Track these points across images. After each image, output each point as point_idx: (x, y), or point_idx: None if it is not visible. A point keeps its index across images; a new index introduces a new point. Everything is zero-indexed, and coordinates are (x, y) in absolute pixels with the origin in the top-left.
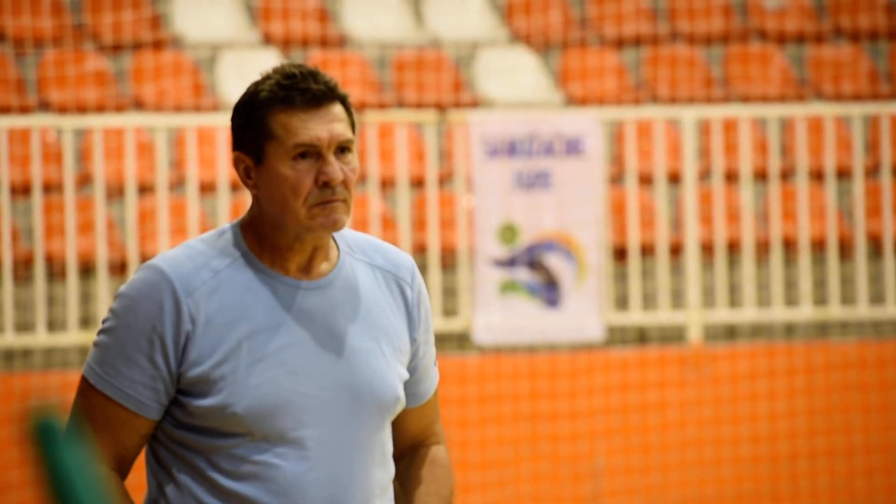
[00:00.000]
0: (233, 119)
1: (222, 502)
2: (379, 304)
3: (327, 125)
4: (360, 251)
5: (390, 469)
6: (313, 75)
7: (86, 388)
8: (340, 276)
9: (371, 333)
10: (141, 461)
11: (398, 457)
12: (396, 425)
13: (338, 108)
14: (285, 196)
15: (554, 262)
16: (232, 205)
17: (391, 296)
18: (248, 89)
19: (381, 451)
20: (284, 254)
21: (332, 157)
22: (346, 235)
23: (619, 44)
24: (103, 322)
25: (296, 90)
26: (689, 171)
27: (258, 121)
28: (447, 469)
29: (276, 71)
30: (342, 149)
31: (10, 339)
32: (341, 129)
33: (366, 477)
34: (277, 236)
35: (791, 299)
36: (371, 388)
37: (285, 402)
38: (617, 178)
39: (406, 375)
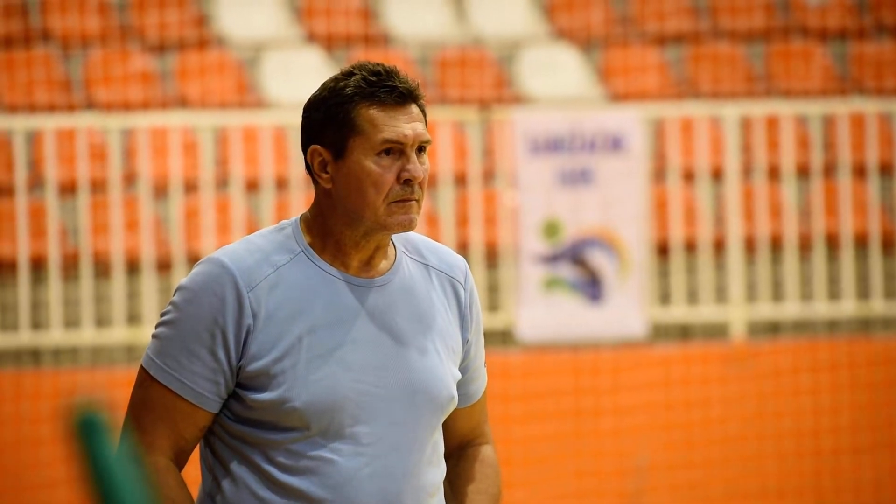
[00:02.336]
0: (311, 113)
1: (277, 496)
2: (433, 304)
3: (412, 123)
4: (415, 251)
5: (442, 469)
6: (397, 74)
7: (145, 379)
8: (398, 275)
9: (426, 333)
10: (194, 456)
11: (446, 456)
12: (446, 425)
13: (417, 109)
14: (366, 191)
15: (597, 258)
16: (276, 203)
17: (445, 296)
18: (327, 84)
19: (434, 450)
20: (347, 251)
21: (414, 156)
22: (402, 235)
23: (662, 40)
24: (163, 314)
25: (384, 87)
26: (732, 167)
27: (343, 115)
28: (495, 468)
29: (358, 68)
30: (420, 149)
31: (58, 336)
32: (422, 128)
33: (419, 475)
34: (345, 232)
35: (834, 295)
36: (426, 387)
37: (342, 398)
38: (659, 175)
39: (459, 375)
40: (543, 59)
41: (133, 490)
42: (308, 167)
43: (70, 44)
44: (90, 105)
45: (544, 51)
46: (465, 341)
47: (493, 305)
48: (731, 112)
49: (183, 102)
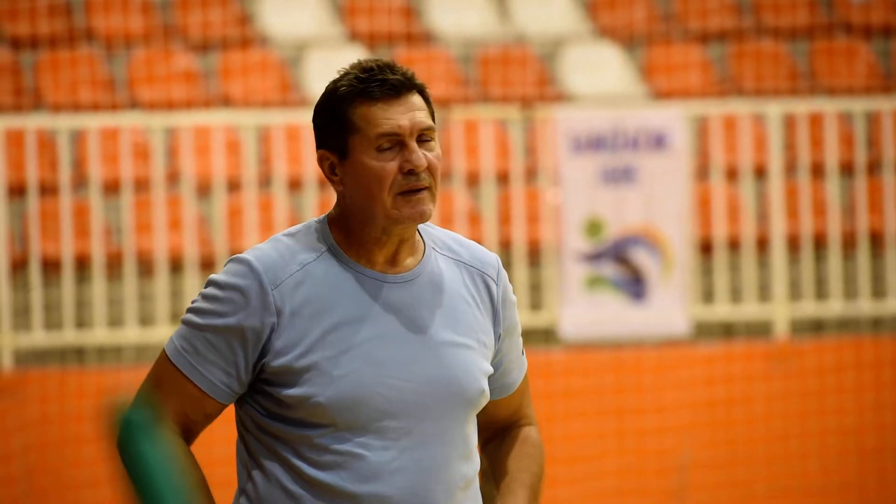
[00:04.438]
0: (315, 118)
1: (306, 491)
2: (464, 299)
3: (407, 114)
4: (445, 247)
5: (475, 463)
6: (390, 67)
7: (163, 360)
8: (426, 270)
9: (455, 328)
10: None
11: (488, 440)
12: (486, 413)
13: (417, 98)
14: (371, 187)
15: (639, 256)
16: (319, 201)
17: (476, 291)
18: (328, 87)
19: (465, 444)
20: (371, 248)
21: (414, 145)
22: (432, 232)
23: (704, 38)
24: (193, 303)
25: (374, 82)
26: (775, 164)
27: (340, 116)
28: (538, 447)
29: (353, 67)
30: (425, 139)
31: (101, 335)
32: (421, 116)
33: (449, 468)
34: (364, 230)
35: (878, 292)
36: (456, 382)
37: (369, 393)
38: (702, 173)
39: (490, 370)
40: (586, 57)
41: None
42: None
43: (114, 43)
44: (134, 104)
45: (587, 48)
46: (498, 336)
47: (535, 304)
48: (774, 109)
49: (226, 101)
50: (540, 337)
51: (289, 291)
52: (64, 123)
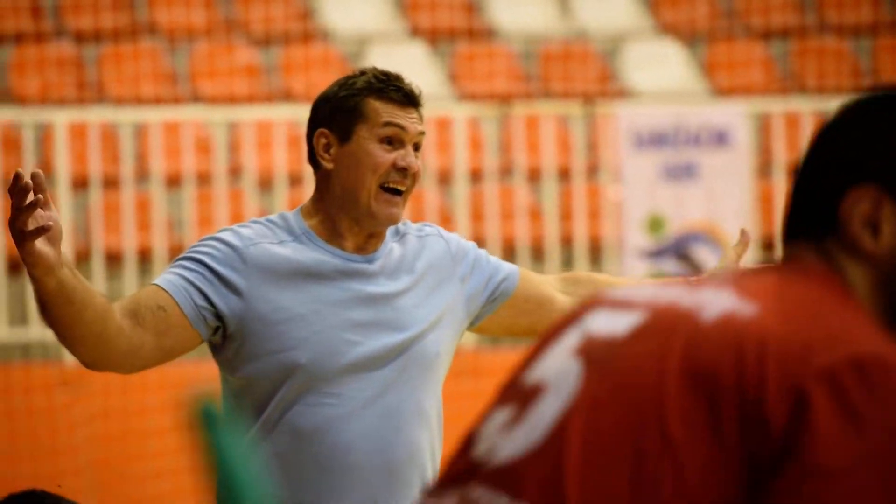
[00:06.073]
0: (322, 101)
1: (277, 446)
2: (426, 267)
3: (412, 121)
4: (404, 227)
5: (431, 433)
6: (403, 79)
7: (148, 286)
8: (391, 246)
9: (418, 293)
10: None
11: (568, 292)
12: (539, 299)
13: (419, 112)
14: (364, 171)
15: (701, 253)
16: None
17: (435, 256)
18: (339, 81)
19: (420, 409)
20: (342, 233)
21: (411, 148)
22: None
23: (767, 35)
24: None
25: (391, 85)
26: None
27: (353, 104)
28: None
29: (369, 70)
30: (416, 147)
31: None
32: (421, 128)
33: (411, 434)
34: (339, 215)
35: None
36: (413, 343)
37: (336, 353)
38: (764, 170)
39: (450, 336)
40: (648, 53)
41: (255, 480)
42: (311, 152)
43: (176, 37)
44: (196, 98)
45: (648, 45)
46: (463, 279)
47: None
48: (836, 106)
49: (287, 96)
50: None
51: (264, 251)
52: (126, 117)
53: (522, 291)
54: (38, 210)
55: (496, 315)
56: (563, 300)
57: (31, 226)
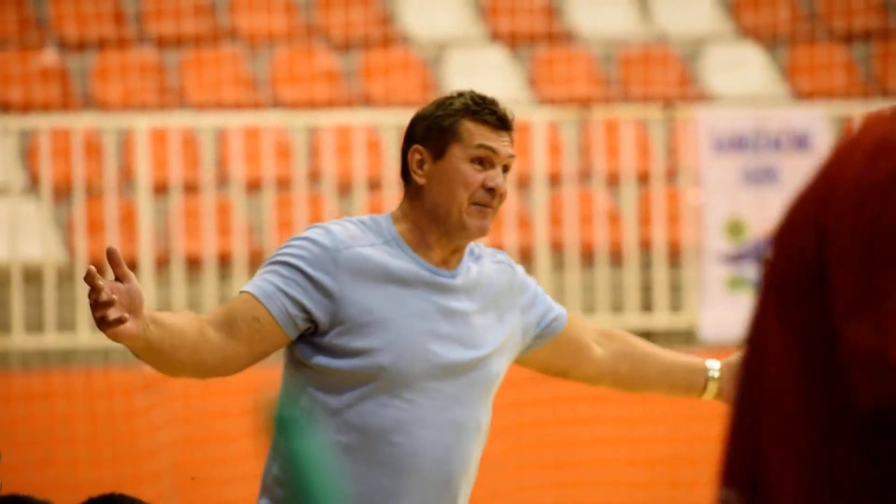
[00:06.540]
0: (419, 119)
1: (345, 440)
2: (501, 293)
3: (503, 144)
4: (479, 249)
5: (481, 449)
6: (498, 104)
7: (240, 294)
8: (469, 265)
9: (487, 315)
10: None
11: (602, 359)
12: (576, 350)
13: (511, 136)
14: (456, 187)
15: None
16: None
17: (505, 283)
18: (436, 101)
19: (477, 423)
20: (430, 245)
21: (500, 170)
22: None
23: (848, 38)
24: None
25: (487, 108)
26: None
27: (449, 124)
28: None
29: (466, 92)
30: (506, 170)
31: None
32: (511, 151)
33: (469, 448)
34: (430, 227)
35: None
36: (480, 361)
37: (417, 360)
38: None
39: (507, 359)
40: (728, 57)
41: (329, 481)
42: (404, 167)
43: (256, 42)
44: (276, 103)
45: (729, 48)
46: (523, 310)
47: (675, 305)
48: None
49: (367, 101)
50: (680, 338)
51: (356, 255)
52: (207, 122)
53: (567, 334)
54: (117, 284)
55: (539, 351)
56: (598, 352)
57: (112, 315)
